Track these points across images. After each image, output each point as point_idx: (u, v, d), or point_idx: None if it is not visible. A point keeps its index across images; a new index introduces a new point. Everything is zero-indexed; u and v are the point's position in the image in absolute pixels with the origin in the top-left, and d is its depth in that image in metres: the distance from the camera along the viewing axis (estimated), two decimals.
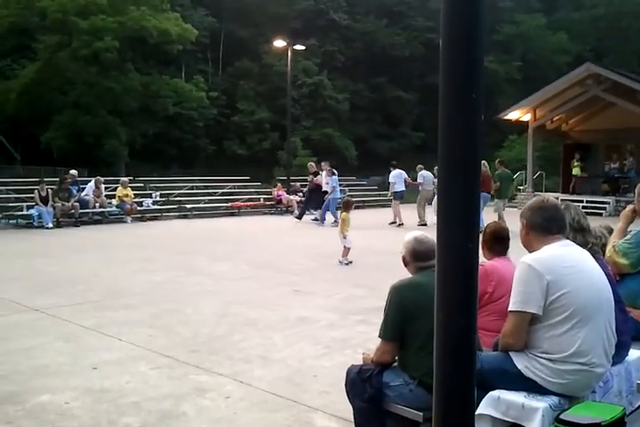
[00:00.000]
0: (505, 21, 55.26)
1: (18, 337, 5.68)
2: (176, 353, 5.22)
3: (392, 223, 16.79)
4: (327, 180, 17.28)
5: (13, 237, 13.71)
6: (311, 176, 18.32)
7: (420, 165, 18.13)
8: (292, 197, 20.79)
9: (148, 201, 19.02)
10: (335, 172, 17.43)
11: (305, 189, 19.59)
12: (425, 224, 16.27)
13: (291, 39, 27.22)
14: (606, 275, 3.05)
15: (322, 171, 17.83)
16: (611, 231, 4.32)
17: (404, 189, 17.45)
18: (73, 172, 18.00)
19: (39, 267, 9.60)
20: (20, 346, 5.40)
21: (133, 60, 43.38)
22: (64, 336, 5.72)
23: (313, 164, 18.78)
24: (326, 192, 17.13)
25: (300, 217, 17.66)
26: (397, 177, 17.46)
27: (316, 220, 17.30)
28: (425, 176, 17.47)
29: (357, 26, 55.85)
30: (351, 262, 9.98)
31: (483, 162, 17.28)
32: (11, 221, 15.95)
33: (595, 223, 3.69)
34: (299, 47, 27.76)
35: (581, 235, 3.36)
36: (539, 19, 56.57)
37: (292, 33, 42.86)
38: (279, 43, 26.18)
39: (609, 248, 3.95)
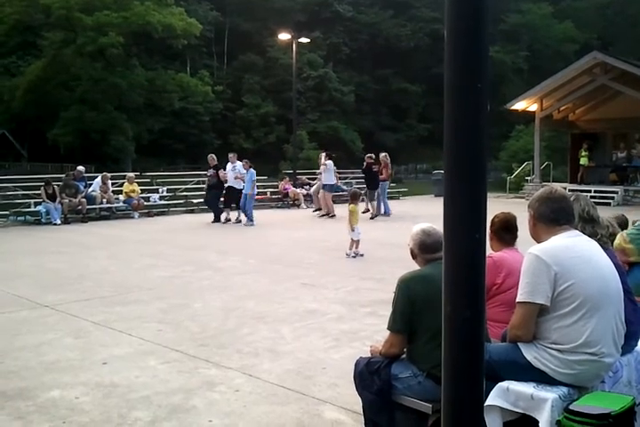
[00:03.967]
0: (510, 11, 54.97)
1: (28, 333, 5.71)
2: (185, 347, 5.24)
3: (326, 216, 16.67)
4: (237, 174, 15.38)
5: (22, 234, 13.77)
6: (211, 170, 15.83)
7: (326, 152, 18.07)
8: (298, 190, 20.78)
9: (155, 196, 19.06)
10: (252, 165, 15.55)
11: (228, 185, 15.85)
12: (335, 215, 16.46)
13: (295, 32, 27.13)
14: (615, 265, 3.03)
15: (232, 163, 15.67)
16: (622, 221, 4.30)
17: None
18: (80, 168, 18.05)
19: (48, 263, 9.64)
20: (30, 342, 5.43)
21: (138, 55, 43.45)
22: (74, 332, 5.75)
23: (214, 155, 16.22)
24: (238, 190, 15.29)
25: (217, 219, 15.66)
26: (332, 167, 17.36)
27: (235, 221, 15.40)
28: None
29: (362, 17, 55.68)
30: (362, 255, 9.98)
31: (385, 153, 17.34)
32: (19, 218, 16.01)
33: (603, 213, 3.66)
34: (303, 40, 27.66)
35: (591, 226, 3.34)
36: (545, 7, 56.21)
37: (296, 26, 42.79)
38: (284, 36, 26.10)
39: (619, 236, 3.93)
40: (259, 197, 20.84)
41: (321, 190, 17.11)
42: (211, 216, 15.89)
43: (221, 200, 15.91)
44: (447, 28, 1.85)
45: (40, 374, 4.62)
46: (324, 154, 17.94)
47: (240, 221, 15.29)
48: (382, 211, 16.79)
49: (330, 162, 17.27)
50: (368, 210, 16.80)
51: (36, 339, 5.51)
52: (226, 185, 15.62)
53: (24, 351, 5.17)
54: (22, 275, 8.62)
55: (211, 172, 15.83)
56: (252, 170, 15.26)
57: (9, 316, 6.40)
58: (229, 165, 15.65)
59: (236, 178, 15.40)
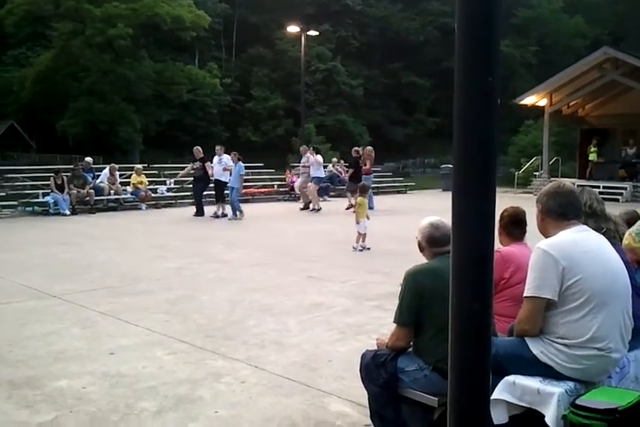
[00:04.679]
0: (521, 5, 54.63)
1: (36, 323, 5.75)
2: (192, 339, 5.26)
3: (309, 209, 16.67)
4: (225, 166, 14.92)
5: (29, 225, 13.83)
6: (197, 163, 15.36)
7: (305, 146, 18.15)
8: None
9: (163, 188, 19.09)
10: (241, 158, 15.08)
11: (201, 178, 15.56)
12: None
13: (304, 25, 27.06)
14: (623, 261, 3.02)
15: (218, 155, 15.25)
16: (633, 217, 4.26)
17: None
18: (88, 159, 18.07)
19: (56, 254, 9.68)
20: (38, 331, 5.46)
21: (147, 47, 43.45)
22: (81, 322, 5.78)
23: (199, 148, 15.64)
24: (224, 183, 15.05)
25: (200, 213, 15.31)
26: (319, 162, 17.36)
27: (221, 216, 14.94)
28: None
29: (371, 11, 55.46)
30: (369, 249, 9.99)
31: (371, 148, 17.54)
32: (27, 209, 16.07)
33: (612, 209, 3.64)
34: (312, 33, 27.58)
35: (593, 220, 3.31)
36: (555, 2, 55.81)
37: (305, 18, 42.66)
38: (293, 28, 26.03)
39: (627, 235, 3.90)
40: (265, 190, 20.87)
41: (310, 183, 16.88)
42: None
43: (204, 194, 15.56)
44: (458, 21, 1.84)
45: (48, 364, 4.65)
46: (308, 148, 17.98)
47: (225, 215, 14.91)
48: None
49: (319, 156, 17.50)
50: (352, 205, 16.70)
51: (44, 328, 5.55)
52: (213, 179, 15.26)
53: (32, 341, 5.21)
54: (30, 265, 8.67)
55: (197, 164, 15.36)
56: (240, 163, 14.82)
57: (17, 305, 6.44)
58: (216, 158, 15.21)
59: (224, 170, 14.95)
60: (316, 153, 17.73)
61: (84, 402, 3.95)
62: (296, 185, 18.15)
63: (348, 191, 16.79)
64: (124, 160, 29.42)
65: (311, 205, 16.80)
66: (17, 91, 38.87)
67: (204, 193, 15.87)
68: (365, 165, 16.97)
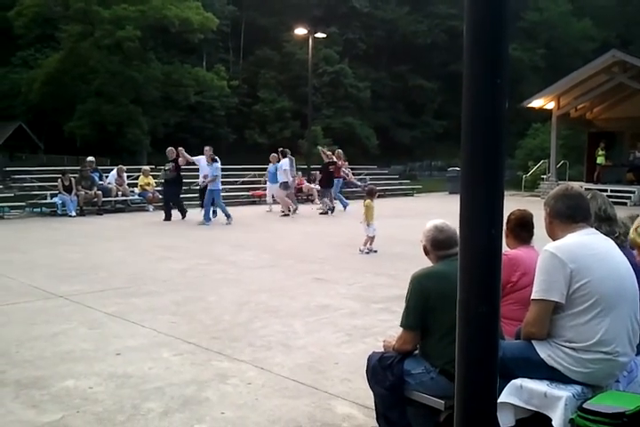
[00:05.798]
0: (529, 8, 54.51)
1: (43, 323, 5.77)
2: (198, 340, 5.27)
3: (285, 215, 16.01)
4: (205, 173, 14.16)
5: (37, 225, 13.88)
6: (170, 164, 14.62)
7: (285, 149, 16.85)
8: (312, 185, 20.75)
9: None
10: (217, 159, 14.21)
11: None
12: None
13: (312, 27, 27.04)
14: (632, 264, 3.01)
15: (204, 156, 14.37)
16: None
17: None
18: (90, 158, 17.57)
19: (63, 254, 9.72)
20: (46, 332, 5.48)
21: (155, 49, 43.51)
22: (88, 323, 5.80)
23: (173, 148, 14.75)
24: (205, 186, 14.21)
25: (168, 217, 14.64)
26: (290, 165, 16.22)
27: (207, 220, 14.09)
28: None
29: (379, 13, 55.43)
30: (376, 251, 9.98)
31: (340, 150, 17.50)
32: (35, 210, 16.13)
33: (619, 213, 3.63)
34: (320, 35, 27.57)
35: (607, 224, 3.31)
36: (563, 5, 55.63)
37: (312, 21, 42.67)
38: (300, 31, 26.02)
39: (631, 231, 3.88)
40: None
41: (277, 189, 16.20)
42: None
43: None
44: (466, 24, 1.84)
45: (55, 364, 4.66)
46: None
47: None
48: (341, 206, 16.89)
49: (286, 160, 16.21)
50: (326, 212, 16.30)
51: (52, 329, 5.57)
52: (200, 182, 14.69)
53: (39, 341, 5.23)
54: (38, 265, 8.70)
55: (170, 166, 14.66)
56: (215, 164, 13.96)
57: (25, 306, 6.46)
58: (203, 160, 14.32)
59: (204, 176, 14.22)
60: (283, 156, 16.36)
61: (91, 402, 3.96)
62: (276, 194, 16.84)
63: (323, 197, 16.72)
64: (131, 162, 29.52)
65: (280, 208, 16.40)
66: (25, 92, 38.99)
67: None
68: (337, 172, 16.93)
